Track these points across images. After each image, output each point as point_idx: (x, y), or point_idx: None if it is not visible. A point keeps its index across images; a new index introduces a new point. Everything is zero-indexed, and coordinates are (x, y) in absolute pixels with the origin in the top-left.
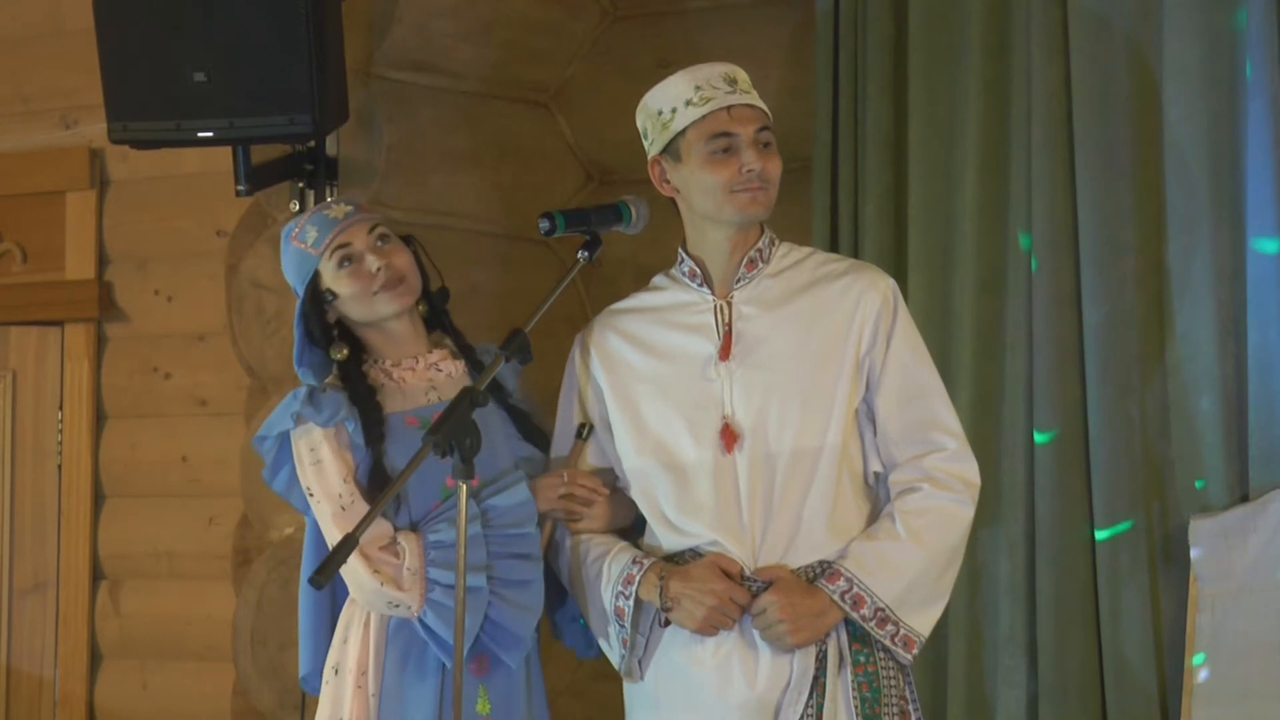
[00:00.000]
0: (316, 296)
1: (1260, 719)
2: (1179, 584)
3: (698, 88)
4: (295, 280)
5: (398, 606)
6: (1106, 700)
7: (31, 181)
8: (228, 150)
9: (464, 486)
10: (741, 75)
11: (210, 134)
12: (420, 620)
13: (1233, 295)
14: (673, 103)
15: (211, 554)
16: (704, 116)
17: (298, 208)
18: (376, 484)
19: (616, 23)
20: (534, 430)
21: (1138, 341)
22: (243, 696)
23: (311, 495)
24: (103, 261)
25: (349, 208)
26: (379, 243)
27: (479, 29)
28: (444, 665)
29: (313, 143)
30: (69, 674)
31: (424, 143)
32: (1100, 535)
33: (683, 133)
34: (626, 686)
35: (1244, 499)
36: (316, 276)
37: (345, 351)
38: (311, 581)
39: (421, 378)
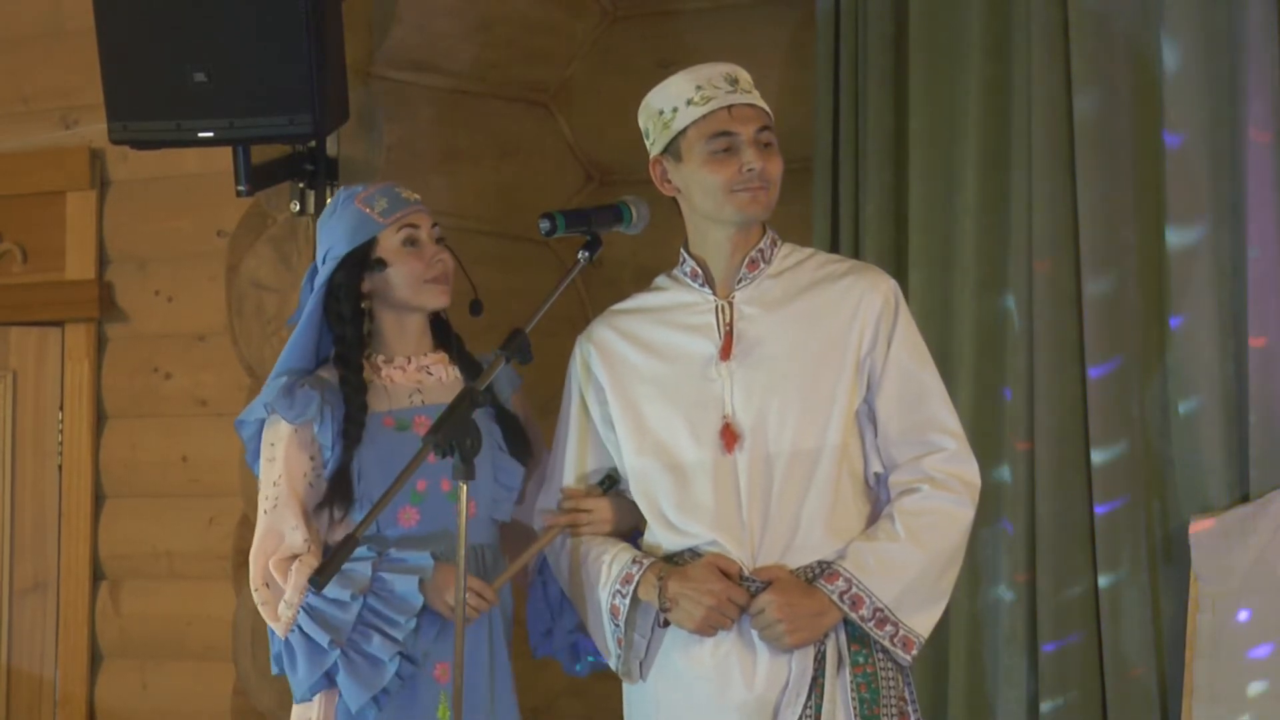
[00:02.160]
0: (362, 261)
1: (1260, 719)
2: (1179, 584)
3: (699, 87)
4: (342, 239)
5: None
6: (1106, 700)
7: (32, 182)
8: (228, 150)
9: (464, 487)
10: (743, 75)
11: (210, 134)
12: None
13: (1233, 295)
14: (674, 102)
15: (211, 554)
16: (705, 116)
17: (298, 208)
18: (338, 487)
19: (616, 23)
20: (521, 441)
21: (1138, 340)
22: (243, 696)
23: (260, 484)
24: (103, 262)
25: (417, 195)
26: (438, 239)
27: (479, 29)
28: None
29: (313, 143)
30: (69, 674)
31: (424, 142)
32: (1100, 535)
33: (683, 132)
34: (626, 687)
35: (1244, 499)
36: (372, 244)
37: (369, 324)
38: (311, 581)
39: (410, 378)
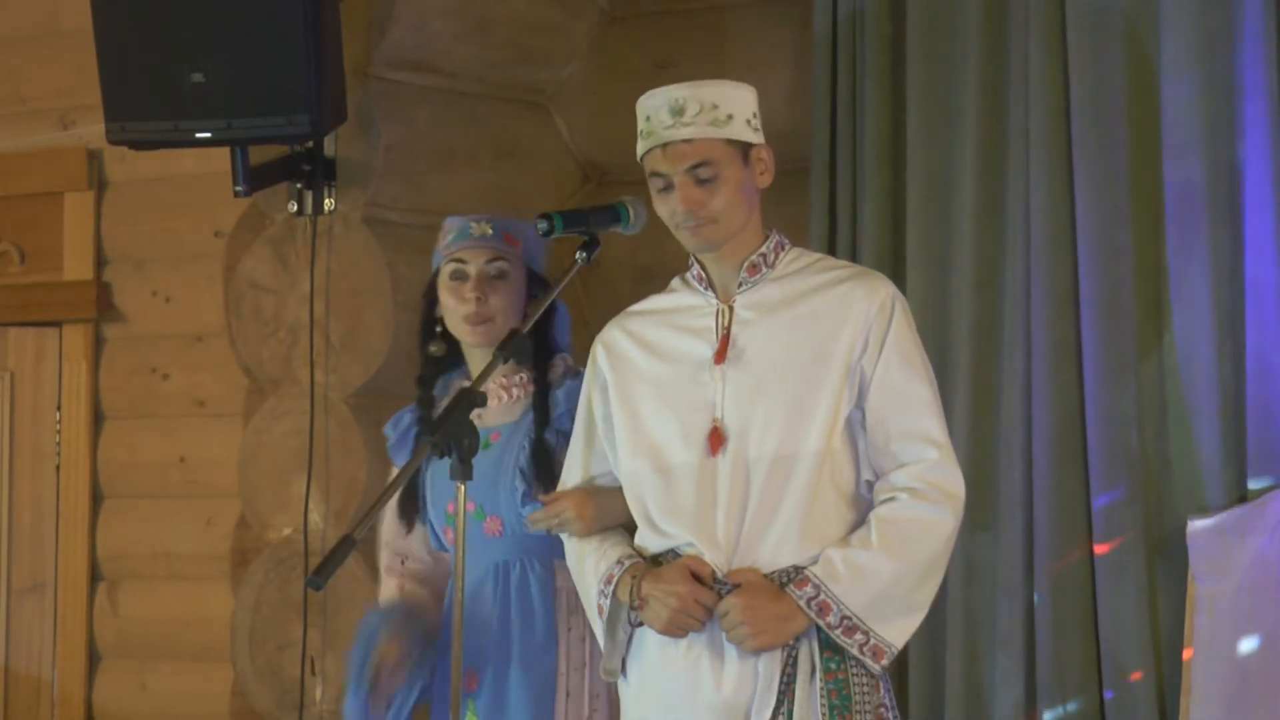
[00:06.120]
0: (432, 289)
1: None
2: (1177, 584)
3: (647, 118)
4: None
5: None
6: (1104, 701)
7: (29, 182)
8: (226, 151)
9: (463, 487)
10: (692, 103)
11: (208, 135)
12: None
13: (1231, 295)
14: (638, 124)
15: (209, 555)
16: (645, 154)
17: (296, 209)
18: (400, 504)
19: (615, 23)
20: (545, 472)
21: (1136, 341)
22: (241, 697)
23: None
24: (101, 262)
25: (489, 230)
26: (491, 278)
27: (477, 29)
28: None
29: (311, 143)
30: (67, 675)
31: (422, 143)
32: (1097, 536)
33: (642, 160)
34: (620, 685)
35: (1243, 499)
36: (437, 274)
37: (444, 348)
38: (309, 582)
39: None
